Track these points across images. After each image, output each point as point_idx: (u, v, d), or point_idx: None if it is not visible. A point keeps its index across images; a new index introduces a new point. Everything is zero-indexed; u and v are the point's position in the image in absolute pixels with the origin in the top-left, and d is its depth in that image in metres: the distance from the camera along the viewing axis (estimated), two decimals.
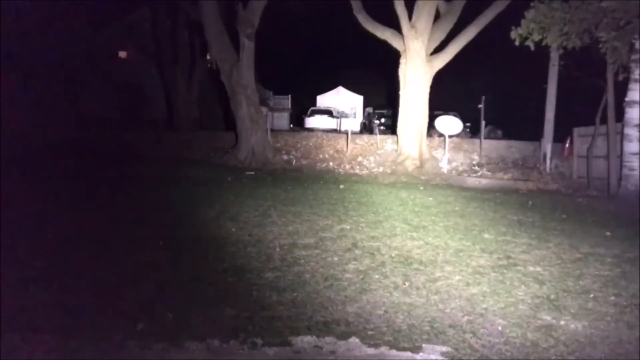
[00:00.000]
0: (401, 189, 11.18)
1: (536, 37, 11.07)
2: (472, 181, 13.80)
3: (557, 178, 14.44)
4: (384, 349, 3.46)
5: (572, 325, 3.93)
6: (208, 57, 26.99)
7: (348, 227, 6.94)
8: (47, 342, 3.39)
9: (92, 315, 3.82)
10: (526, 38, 11.15)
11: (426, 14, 15.40)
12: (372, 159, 16.57)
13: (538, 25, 10.97)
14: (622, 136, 11.52)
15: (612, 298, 4.54)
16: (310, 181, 12.13)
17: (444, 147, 16.13)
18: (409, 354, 3.41)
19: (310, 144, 18.19)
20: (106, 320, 3.72)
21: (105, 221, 6.98)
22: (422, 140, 15.90)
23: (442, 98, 21.28)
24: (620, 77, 11.45)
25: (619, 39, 10.47)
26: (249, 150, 16.34)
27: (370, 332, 3.68)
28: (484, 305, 4.27)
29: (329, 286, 4.61)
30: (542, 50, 12.27)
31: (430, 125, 16.60)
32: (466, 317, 4.01)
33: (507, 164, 15.75)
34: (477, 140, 17.29)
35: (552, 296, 4.54)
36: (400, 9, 15.44)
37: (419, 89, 15.64)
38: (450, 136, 16.42)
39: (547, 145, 15.25)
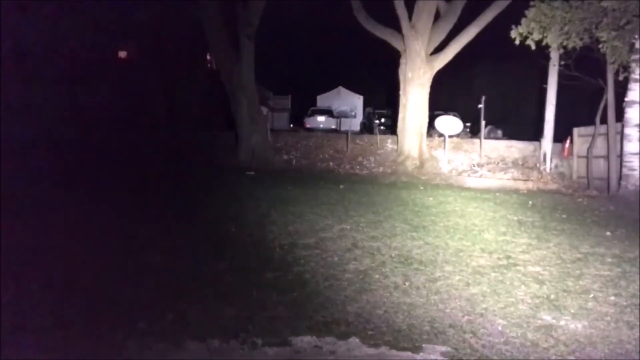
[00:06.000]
0: (401, 189, 11.18)
1: (536, 36, 11.06)
2: (472, 181, 13.79)
3: (557, 178, 14.42)
4: (384, 349, 3.46)
5: (572, 325, 3.93)
6: (208, 57, 27.00)
7: (348, 227, 6.94)
8: (47, 342, 3.39)
9: (92, 315, 3.82)
10: (526, 37, 11.14)
11: (426, 14, 15.39)
12: (372, 159, 16.55)
13: (538, 24, 10.97)
14: (622, 136, 11.52)
15: (612, 298, 4.54)
16: (310, 181, 12.13)
17: (444, 147, 16.12)
18: (409, 354, 3.41)
19: (310, 144, 18.17)
20: (106, 320, 3.72)
21: (103, 221, 6.98)
22: (422, 140, 15.90)
23: (442, 98, 21.31)
24: (620, 77, 11.45)
25: (619, 38, 10.47)
26: (249, 150, 16.33)
27: (370, 332, 3.68)
28: (484, 305, 4.27)
29: (329, 286, 4.60)
30: (542, 51, 12.27)
31: (430, 125, 16.59)
32: (466, 317, 4.01)
33: (507, 164, 15.72)
34: (477, 140, 17.26)
35: (552, 296, 4.54)
36: (400, 9, 15.43)
37: (419, 89, 15.64)
38: (450, 136, 16.41)
39: (547, 145, 15.23)
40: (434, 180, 13.59)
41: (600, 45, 10.80)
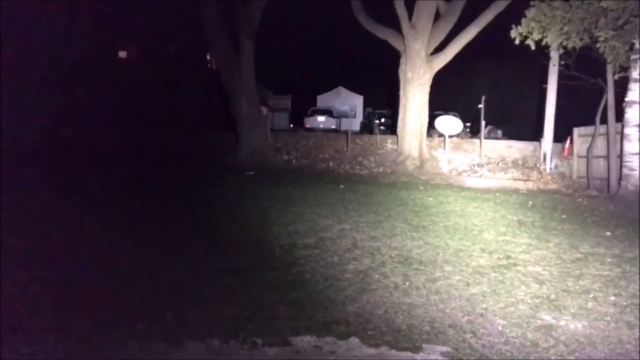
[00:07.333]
0: (401, 189, 11.18)
1: (536, 36, 11.05)
2: (472, 181, 13.79)
3: (557, 178, 14.42)
4: (384, 349, 3.46)
5: (572, 325, 3.93)
6: (208, 57, 27.00)
7: (348, 227, 6.94)
8: (47, 342, 3.39)
9: (92, 315, 3.81)
10: (526, 37, 11.14)
11: (426, 14, 15.39)
12: (372, 159, 16.56)
13: (538, 24, 10.96)
14: (622, 136, 11.51)
15: (612, 298, 4.54)
16: (310, 181, 12.13)
17: (444, 147, 16.13)
18: (409, 354, 3.41)
19: (310, 144, 18.18)
20: (106, 320, 3.72)
21: (103, 222, 6.98)
22: (422, 140, 15.90)
23: (442, 98, 21.31)
24: (616, 77, 11.45)
25: (618, 38, 10.47)
26: (249, 150, 16.35)
27: (370, 332, 3.68)
28: (484, 305, 4.27)
29: (329, 286, 4.60)
30: (542, 51, 12.26)
31: (430, 125, 16.60)
32: (466, 317, 4.01)
33: (507, 164, 15.73)
34: (477, 140, 17.26)
35: (552, 296, 4.54)
36: (400, 9, 15.43)
37: (419, 89, 15.64)
38: (450, 136, 16.42)
39: (547, 145, 15.22)
40: (434, 180, 13.59)
41: (598, 45, 10.80)
